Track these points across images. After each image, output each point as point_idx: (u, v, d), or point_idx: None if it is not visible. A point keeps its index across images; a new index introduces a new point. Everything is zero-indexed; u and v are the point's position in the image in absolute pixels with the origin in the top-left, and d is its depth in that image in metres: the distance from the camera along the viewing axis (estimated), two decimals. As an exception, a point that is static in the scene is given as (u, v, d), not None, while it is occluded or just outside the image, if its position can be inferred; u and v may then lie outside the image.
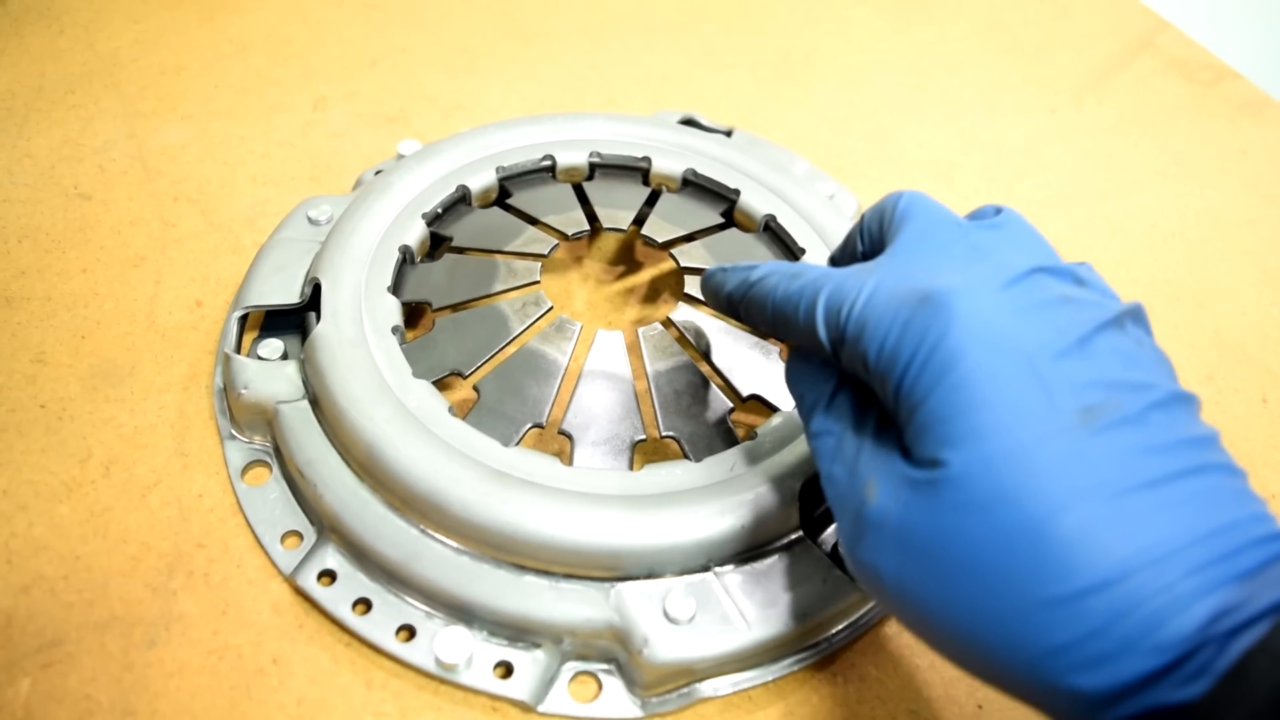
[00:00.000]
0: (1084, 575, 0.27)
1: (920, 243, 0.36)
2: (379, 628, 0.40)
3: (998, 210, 0.38)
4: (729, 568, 0.41)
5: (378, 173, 0.59)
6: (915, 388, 0.31)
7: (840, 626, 0.42)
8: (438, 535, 0.41)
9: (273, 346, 0.48)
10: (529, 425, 0.44)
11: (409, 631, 0.40)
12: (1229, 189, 0.73)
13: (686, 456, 0.44)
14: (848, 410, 0.35)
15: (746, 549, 0.41)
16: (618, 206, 0.56)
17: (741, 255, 0.54)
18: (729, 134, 0.63)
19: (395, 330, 0.46)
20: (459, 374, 0.46)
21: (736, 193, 0.56)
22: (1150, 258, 0.66)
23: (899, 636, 0.44)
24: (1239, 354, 0.60)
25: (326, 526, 0.42)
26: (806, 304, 0.36)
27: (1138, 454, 0.29)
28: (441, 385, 0.45)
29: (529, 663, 0.40)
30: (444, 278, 0.50)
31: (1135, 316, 0.33)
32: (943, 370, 0.30)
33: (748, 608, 0.40)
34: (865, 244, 0.40)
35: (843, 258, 0.42)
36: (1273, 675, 0.25)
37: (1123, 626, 0.27)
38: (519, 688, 0.39)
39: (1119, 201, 0.70)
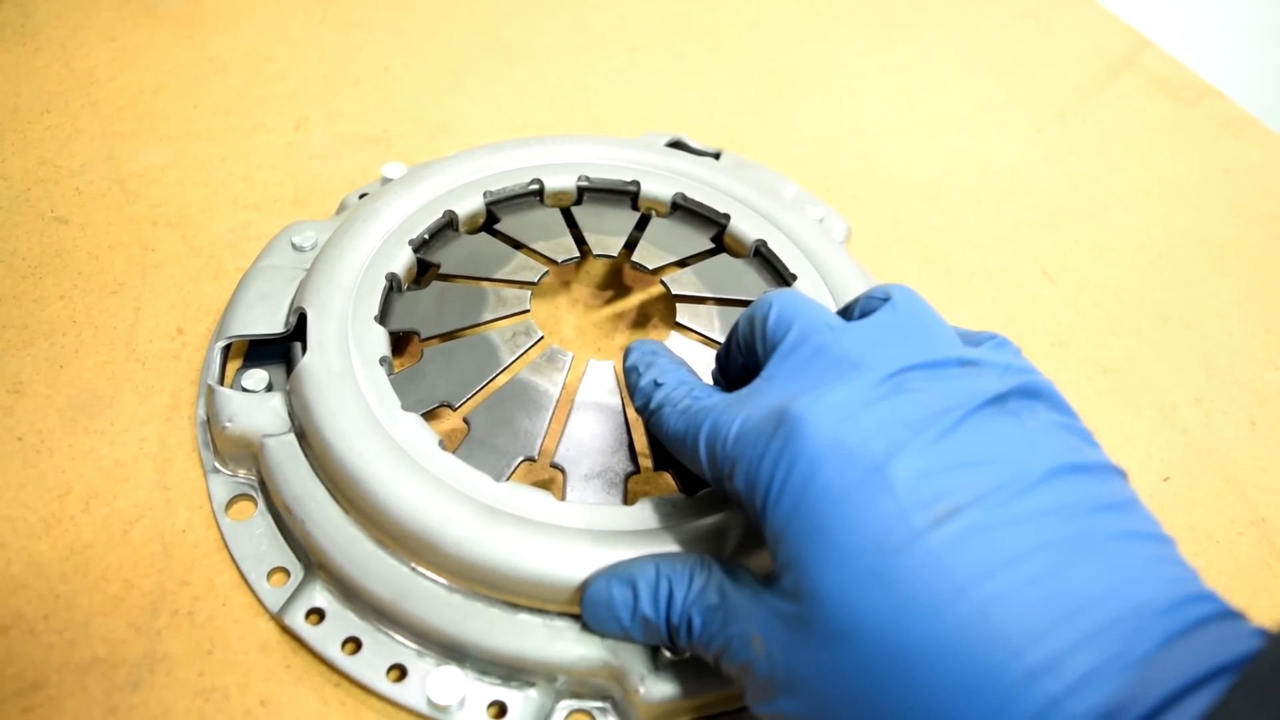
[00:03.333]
0: (952, 692, 0.26)
1: (790, 358, 0.35)
2: (369, 667, 0.39)
3: (885, 296, 0.36)
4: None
5: (362, 196, 0.58)
6: (775, 517, 0.31)
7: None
8: (429, 573, 0.40)
9: (257, 377, 0.47)
10: (520, 458, 0.43)
11: (400, 671, 0.39)
12: (1213, 208, 0.73)
13: (680, 490, 0.44)
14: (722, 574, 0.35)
15: (743, 584, 0.40)
16: (607, 232, 0.55)
17: (733, 281, 0.53)
18: (717, 156, 0.63)
19: (383, 361, 0.45)
20: (449, 406, 0.45)
21: (726, 217, 0.56)
22: (1138, 278, 0.66)
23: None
24: (1226, 376, 0.60)
25: (314, 563, 0.42)
26: (690, 441, 0.36)
27: (1000, 539, 0.27)
28: (430, 416, 0.44)
29: (522, 702, 0.39)
30: (432, 306, 0.49)
31: (1027, 392, 0.32)
32: (797, 497, 0.30)
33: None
34: (741, 353, 0.40)
35: (727, 365, 0.42)
36: None
37: None
38: (513, 729, 0.38)
39: (1105, 221, 0.70)
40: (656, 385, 0.40)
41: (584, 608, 0.37)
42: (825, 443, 0.30)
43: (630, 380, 0.41)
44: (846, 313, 0.38)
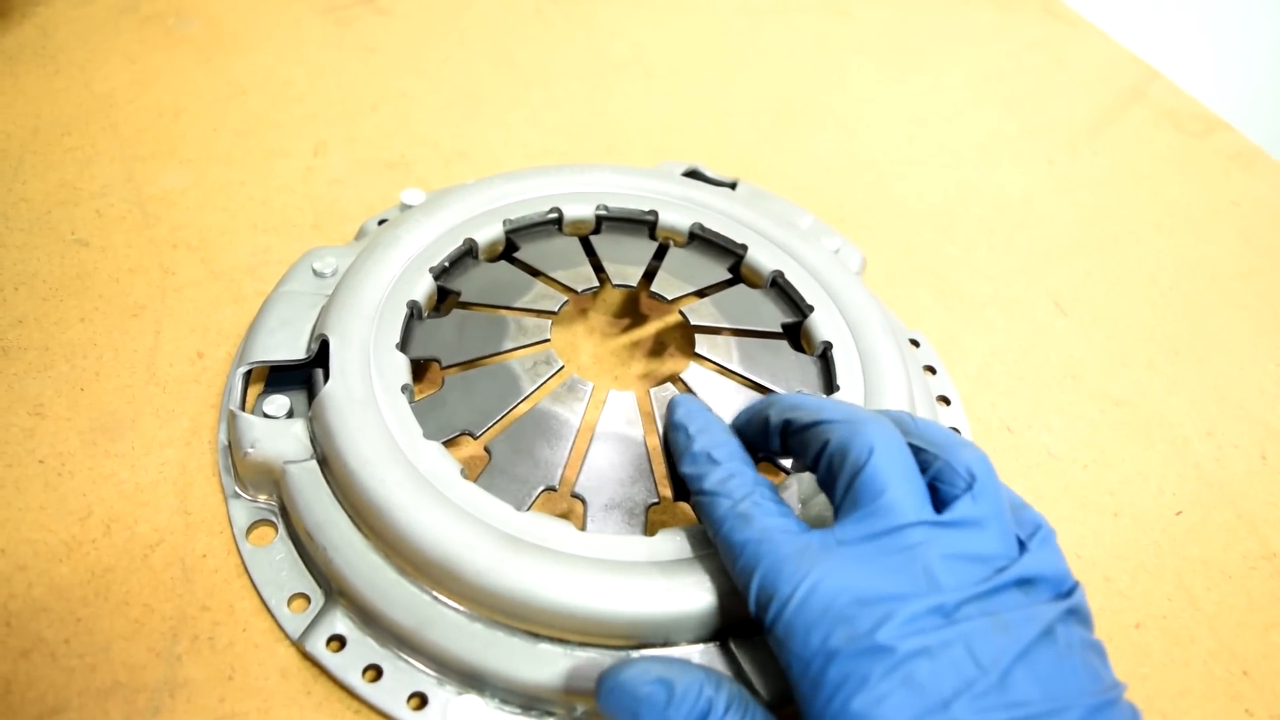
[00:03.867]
0: None
1: (874, 540, 0.35)
2: (390, 695, 0.40)
3: (969, 479, 0.37)
4: (745, 637, 0.40)
5: (381, 222, 0.59)
6: None
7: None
8: (450, 601, 0.40)
9: (279, 403, 0.47)
10: (541, 488, 0.44)
11: (421, 699, 0.40)
12: (1223, 241, 0.73)
13: (701, 521, 0.44)
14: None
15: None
16: (625, 261, 0.55)
17: (750, 312, 0.54)
18: (733, 186, 0.63)
19: (405, 389, 0.45)
20: (470, 434, 0.45)
21: (744, 248, 0.56)
22: (1149, 311, 0.66)
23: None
24: (1238, 410, 0.61)
25: (335, 590, 0.42)
26: (741, 570, 0.36)
27: None
28: (451, 444, 0.45)
29: (542, 732, 0.39)
30: (453, 334, 0.50)
31: (1070, 614, 0.35)
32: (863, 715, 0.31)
33: (763, 677, 0.39)
34: (806, 460, 0.39)
35: (751, 435, 0.41)
36: None
37: None
38: (533, 759, 0.39)
39: (1116, 253, 0.71)
40: (711, 461, 0.39)
41: (609, 692, 0.35)
42: (898, 674, 0.32)
43: (677, 441, 0.41)
44: (924, 463, 0.38)
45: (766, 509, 0.37)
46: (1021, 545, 0.36)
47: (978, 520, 0.36)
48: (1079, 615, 0.35)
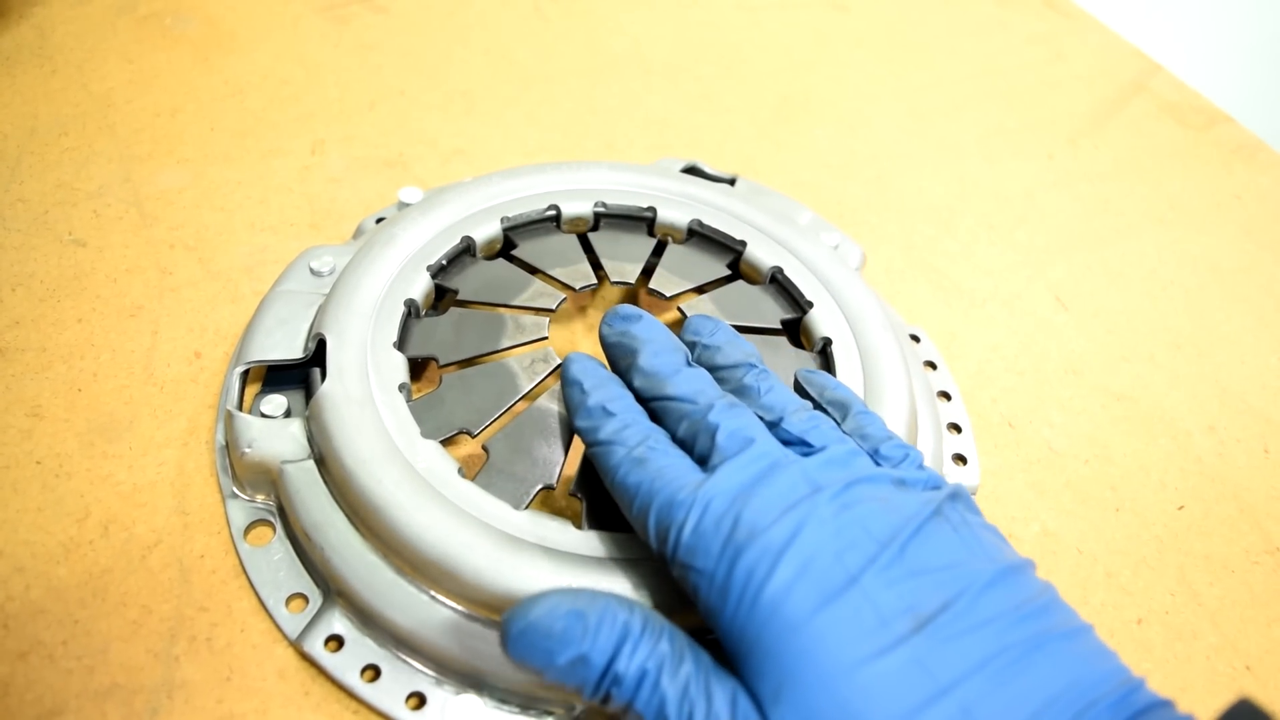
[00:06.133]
0: None
1: (752, 465, 0.36)
2: (388, 695, 0.39)
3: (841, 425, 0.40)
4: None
5: (378, 221, 0.59)
6: (748, 623, 0.32)
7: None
8: (448, 601, 0.40)
9: (276, 403, 0.47)
10: (539, 486, 0.44)
11: (419, 699, 0.39)
12: (1225, 234, 0.73)
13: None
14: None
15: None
16: (624, 258, 0.55)
17: (749, 308, 0.53)
18: (732, 182, 0.63)
19: (402, 388, 0.45)
20: (467, 433, 0.45)
21: (743, 244, 0.56)
22: (1150, 305, 0.66)
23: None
24: (1240, 404, 0.60)
25: (333, 590, 0.42)
26: (639, 510, 0.36)
27: (970, 644, 0.30)
28: (449, 443, 0.44)
29: (541, 731, 0.39)
30: (450, 332, 0.50)
31: (954, 498, 0.36)
32: (773, 606, 0.31)
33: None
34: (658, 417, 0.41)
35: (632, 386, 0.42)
36: None
37: None
38: (532, 759, 0.38)
39: (1117, 247, 0.70)
40: (606, 414, 0.39)
41: (518, 636, 0.32)
42: (800, 557, 0.32)
43: (574, 397, 0.41)
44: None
45: (661, 451, 0.38)
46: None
47: (851, 448, 0.38)
48: (966, 501, 0.37)
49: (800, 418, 0.39)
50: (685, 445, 0.39)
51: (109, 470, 0.47)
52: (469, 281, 0.53)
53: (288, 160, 0.66)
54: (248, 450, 0.44)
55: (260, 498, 0.46)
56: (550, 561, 0.39)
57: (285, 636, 0.41)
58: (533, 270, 0.54)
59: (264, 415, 0.46)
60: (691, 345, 0.44)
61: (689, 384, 0.40)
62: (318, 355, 0.47)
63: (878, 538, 0.33)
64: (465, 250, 0.53)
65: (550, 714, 0.39)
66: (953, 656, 0.30)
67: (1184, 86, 0.89)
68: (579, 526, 0.42)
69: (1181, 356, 0.63)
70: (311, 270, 0.52)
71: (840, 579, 0.32)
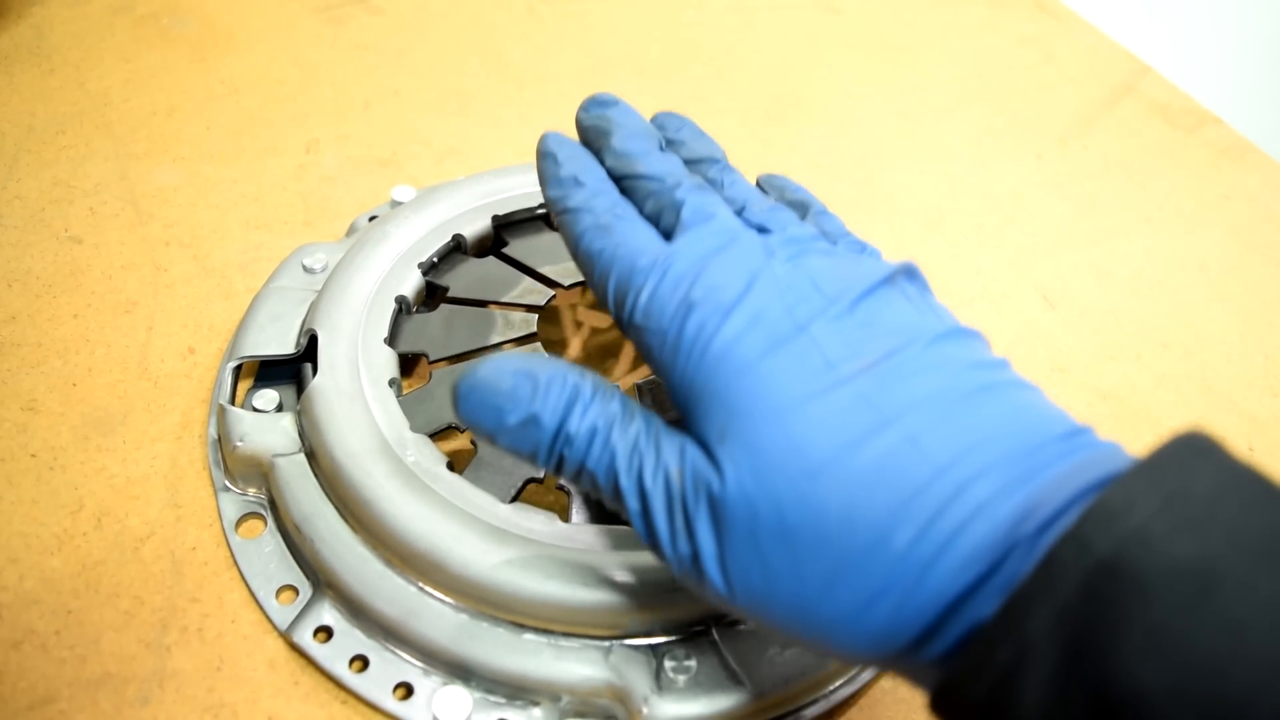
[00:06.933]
0: (885, 506, 0.28)
1: (710, 239, 0.36)
2: (376, 685, 0.40)
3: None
4: (729, 626, 0.41)
5: (371, 219, 0.59)
6: (698, 371, 0.32)
7: (839, 682, 0.42)
8: (436, 593, 0.40)
9: (268, 397, 0.48)
10: (526, 479, 0.44)
11: (406, 689, 0.40)
12: (1212, 235, 0.74)
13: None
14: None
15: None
16: (613, 255, 0.56)
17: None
18: (722, 181, 0.64)
19: (392, 383, 0.46)
20: (456, 427, 0.46)
21: (731, 242, 0.56)
22: (1137, 304, 0.67)
23: (897, 690, 0.44)
24: (1225, 403, 0.61)
25: (323, 582, 0.42)
26: (599, 276, 0.37)
27: (915, 384, 0.30)
28: (438, 437, 0.45)
29: (527, 721, 0.40)
30: (440, 329, 0.50)
31: (909, 274, 0.36)
32: (723, 353, 0.32)
33: (748, 666, 0.40)
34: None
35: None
36: (1081, 563, 0.24)
37: (921, 550, 0.27)
38: (518, 747, 0.39)
39: (1105, 247, 0.71)
40: (577, 184, 0.39)
41: (468, 394, 0.32)
42: (750, 307, 0.33)
43: (547, 169, 0.41)
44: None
45: (627, 220, 0.38)
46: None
47: (813, 232, 0.38)
48: (920, 281, 0.37)
49: (762, 207, 0.39)
50: (651, 220, 0.39)
51: (103, 463, 0.47)
52: (459, 278, 0.53)
53: (283, 159, 0.66)
54: (239, 444, 0.45)
55: (252, 491, 0.46)
56: (536, 553, 0.40)
57: (275, 627, 0.42)
58: (523, 268, 0.54)
59: (256, 410, 0.47)
60: None
61: (659, 165, 0.40)
62: (309, 350, 0.48)
63: (828, 294, 0.33)
64: (456, 248, 0.54)
65: (536, 704, 0.40)
66: (899, 392, 0.30)
67: (1173, 88, 0.89)
68: (564, 519, 0.42)
69: (1168, 355, 0.63)
70: (304, 267, 0.53)
71: (789, 327, 0.32)
